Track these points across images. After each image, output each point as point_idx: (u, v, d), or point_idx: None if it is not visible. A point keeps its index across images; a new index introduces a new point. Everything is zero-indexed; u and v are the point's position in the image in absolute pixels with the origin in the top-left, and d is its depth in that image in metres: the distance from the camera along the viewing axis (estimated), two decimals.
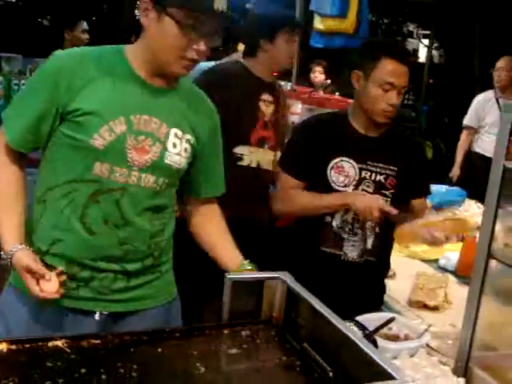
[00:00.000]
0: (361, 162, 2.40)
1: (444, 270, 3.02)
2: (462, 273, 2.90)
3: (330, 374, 1.43)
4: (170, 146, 1.83)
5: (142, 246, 1.86)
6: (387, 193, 2.41)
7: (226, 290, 1.69)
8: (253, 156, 3.04)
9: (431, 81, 12.34)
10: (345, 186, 2.40)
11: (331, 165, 2.40)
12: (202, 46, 1.75)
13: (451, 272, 2.97)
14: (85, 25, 4.86)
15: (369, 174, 2.41)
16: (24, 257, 1.69)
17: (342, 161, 2.40)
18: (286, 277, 1.72)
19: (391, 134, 2.48)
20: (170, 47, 1.74)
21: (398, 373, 1.30)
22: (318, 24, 5.05)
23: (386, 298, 2.59)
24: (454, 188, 3.72)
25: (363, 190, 2.40)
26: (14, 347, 1.46)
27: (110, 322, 1.86)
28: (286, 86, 4.63)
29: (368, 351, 1.38)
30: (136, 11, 2.45)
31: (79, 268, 1.82)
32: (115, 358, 1.48)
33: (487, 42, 10.17)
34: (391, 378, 1.27)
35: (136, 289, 1.89)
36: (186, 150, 1.87)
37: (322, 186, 2.42)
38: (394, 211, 2.29)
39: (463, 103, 9.28)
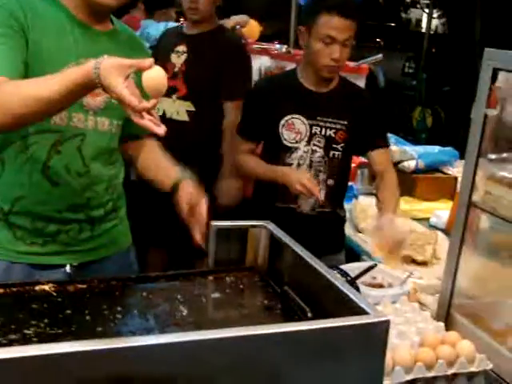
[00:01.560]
0: (311, 117, 2.48)
1: (435, 228, 3.05)
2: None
3: (309, 315, 1.46)
4: None
5: (102, 191, 1.90)
6: (338, 147, 2.50)
7: (210, 238, 1.72)
8: (160, 105, 3.10)
9: (433, 50, 12.29)
10: (296, 143, 2.45)
11: (282, 122, 2.47)
12: None
13: (442, 230, 3.00)
14: None
15: (319, 129, 2.48)
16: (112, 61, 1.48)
17: (292, 118, 2.48)
18: (270, 225, 1.75)
19: (341, 89, 2.54)
20: None
21: (375, 311, 1.33)
22: None
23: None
24: (447, 148, 3.73)
25: (314, 145, 2.48)
26: (1, 290, 1.50)
27: (79, 273, 1.88)
28: (282, 48, 4.64)
29: (346, 291, 1.40)
30: None
31: (45, 223, 1.84)
32: (100, 300, 1.50)
33: (489, 9, 10.08)
34: (366, 313, 1.29)
35: (100, 236, 1.94)
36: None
37: (276, 144, 2.50)
38: (316, 194, 2.34)
39: (463, 72, 9.26)
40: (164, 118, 3.13)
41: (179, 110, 3.16)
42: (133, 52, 1.87)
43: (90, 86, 1.49)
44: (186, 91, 3.15)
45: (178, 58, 3.17)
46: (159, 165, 2.01)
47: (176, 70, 3.16)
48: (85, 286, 1.57)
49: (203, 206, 1.80)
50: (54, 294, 1.52)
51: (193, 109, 3.15)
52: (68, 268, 1.90)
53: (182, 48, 3.19)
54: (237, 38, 3.56)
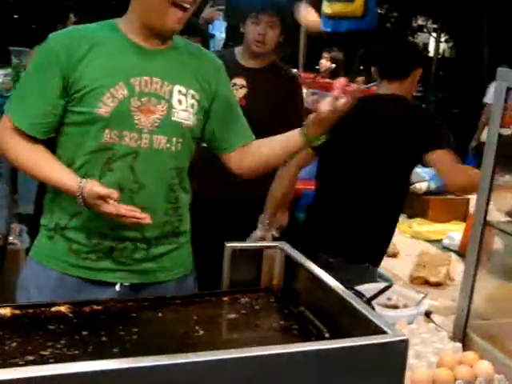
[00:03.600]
0: None
1: (448, 249, 3.04)
2: (465, 251, 2.90)
3: (326, 335, 1.45)
4: (175, 103, 1.86)
5: (159, 211, 1.88)
6: None
7: (225, 259, 1.72)
8: None
9: (441, 73, 12.35)
10: None
11: None
12: None
13: (455, 252, 2.99)
14: (72, 17, 4.89)
15: None
16: (93, 187, 1.74)
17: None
18: (285, 245, 1.74)
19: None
20: (160, 1, 1.77)
21: (394, 330, 1.32)
22: (326, 8, 5.06)
23: (388, 274, 2.62)
24: None
25: None
26: (17, 312, 1.49)
27: (130, 294, 1.87)
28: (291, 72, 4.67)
29: (364, 311, 1.40)
30: None
31: (99, 239, 1.86)
32: (116, 321, 1.50)
33: (496, 33, 10.15)
34: (384, 333, 1.29)
35: (155, 259, 1.92)
36: (192, 105, 1.89)
37: None
38: None
39: (472, 94, 9.28)
40: None
41: None
42: (201, 67, 1.94)
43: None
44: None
45: (237, 92, 3.07)
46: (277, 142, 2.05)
47: None
48: (100, 307, 1.57)
49: None
50: (70, 314, 1.52)
51: None
52: (118, 287, 1.90)
53: (240, 81, 3.10)
54: (293, 75, 3.52)
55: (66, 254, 1.89)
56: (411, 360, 1.65)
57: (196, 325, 1.52)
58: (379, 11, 15.76)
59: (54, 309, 1.52)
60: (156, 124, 1.83)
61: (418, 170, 3.57)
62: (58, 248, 1.90)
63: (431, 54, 14.38)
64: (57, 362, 1.28)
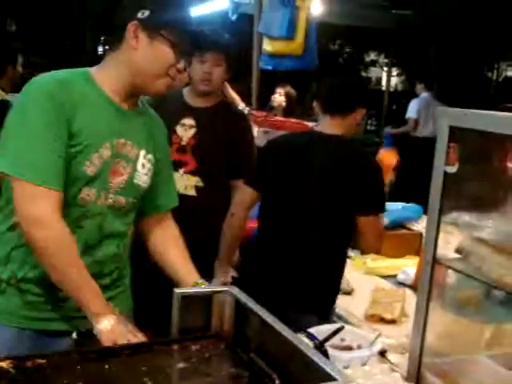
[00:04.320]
0: None
1: (403, 284, 3.04)
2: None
3: (277, 382, 1.43)
4: (139, 166, 1.92)
5: (109, 261, 1.93)
6: None
7: (174, 305, 1.69)
8: None
9: (394, 107, 12.57)
10: None
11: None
12: (181, 64, 1.88)
13: (409, 287, 2.99)
14: (21, 58, 4.87)
15: None
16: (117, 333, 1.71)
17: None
18: (234, 290, 1.72)
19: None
20: (162, 66, 1.83)
21: (342, 376, 1.30)
22: (267, 46, 5.08)
23: (343, 312, 2.60)
24: (410, 204, 3.76)
25: None
26: None
27: (85, 341, 1.85)
28: (244, 110, 4.68)
29: (313, 357, 1.38)
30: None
31: (54, 289, 1.82)
32: (61, 376, 1.46)
33: (443, 66, 10.40)
34: (335, 380, 1.27)
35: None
36: (149, 169, 1.96)
37: None
38: None
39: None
40: None
41: (186, 184, 3.07)
42: (155, 129, 2.02)
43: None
44: (195, 166, 3.07)
45: (186, 132, 3.07)
46: (180, 262, 2.02)
47: (183, 143, 3.06)
48: (44, 361, 1.52)
49: None
50: (12, 370, 1.46)
51: (201, 184, 3.07)
52: (74, 335, 1.90)
53: (189, 121, 3.09)
54: (241, 113, 3.52)
55: (22, 308, 1.86)
56: None
57: (145, 376, 1.48)
58: (333, 47, 16.09)
59: None
60: (121, 185, 1.88)
61: None
62: (11, 302, 1.86)
63: (384, 87, 14.67)
64: None
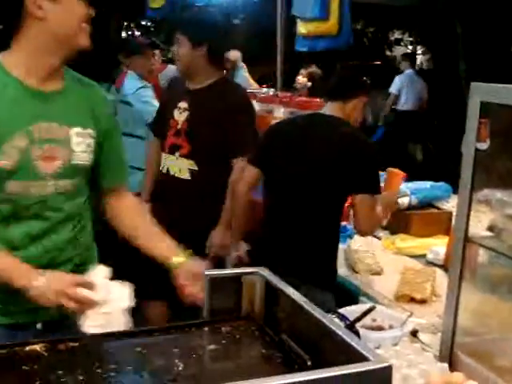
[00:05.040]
0: None
1: (432, 264, 3.01)
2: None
3: (309, 363, 1.42)
4: (74, 146, 1.83)
5: (67, 248, 1.89)
6: None
7: (205, 287, 1.69)
8: (165, 162, 3.16)
9: None
10: None
11: None
12: (92, 11, 1.81)
13: (439, 266, 2.96)
14: None
15: None
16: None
17: None
18: (264, 271, 1.71)
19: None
20: (77, 20, 1.76)
21: (376, 356, 1.29)
22: (301, 28, 5.05)
23: (373, 293, 2.59)
24: (439, 183, 3.71)
25: None
26: None
27: (49, 330, 1.86)
28: (269, 91, 4.66)
29: (345, 337, 1.36)
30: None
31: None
32: (92, 358, 1.46)
33: (470, 44, 10.22)
34: (367, 360, 1.25)
35: None
36: (89, 144, 1.88)
37: None
38: None
39: (451, 105, 9.33)
40: (168, 175, 3.14)
41: (181, 167, 3.10)
42: (91, 102, 1.92)
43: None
44: (189, 149, 3.08)
45: (180, 115, 3.10)
46: (151, 237, 1.99)
47: (179, 127, 3.10)
48: (76, 344, 1.52)
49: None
50: (45, 353, 1.47)
51: (195, 168, 3.08)
52: (39, 325, 1.89)
53: (183, 104, 3.11)
54: (240, 89, 3.35)
55: None
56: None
57: (176, 357, 1.48)
58: (356, 27, 15.92)
59: (28, 348, 1.48)
60: (59, 170, 1.81)
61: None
62: None
63: None
64: None
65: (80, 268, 1.93)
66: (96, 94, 1.98)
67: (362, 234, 2.83)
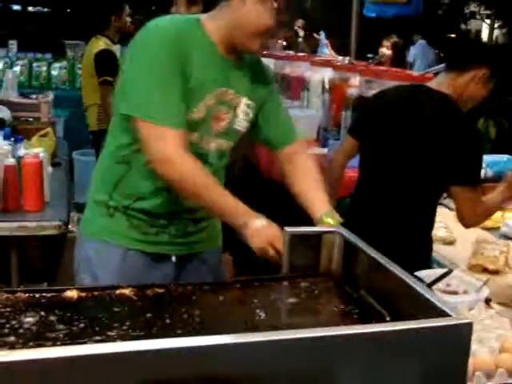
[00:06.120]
0: None
1: (506, 237, 2.99)
2: None
3: (388, 319, 1.45)
4: (239, 113, 2.01)
5: None
6: None
7: (285, 244, 1.73)
8: None
9: None
10: None
11: None
12: (276, 30, 1.95)
13: None
14: (127, 9, 4.92)
15: None
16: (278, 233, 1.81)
17: None
18: (343, 230, 1.74)
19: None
20: (262, 27, 1.87)
21: (458, 313, 1.31)
22: None
23: (445, 262, 2.59)
24: None
25: None
26: (83, 294, 1.53)
27: (182, 264, 2.11)
28: (344, 60, 4.64)
29: (427, 294, 1.38)
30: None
31: (158, 218, 2.02)
32: (178, 304, 1.53)
33: None
34: (448, 315, 1.28)
35: (202, 232, 2.12)
36: (248, 114, 2.05)
37: None
38: None
39: None
40: None
41: None
42: (259, 76, 2.08)
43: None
44: None
45: None
46: (311, 193, 2.06)
47: None
48: (163, 291, 1.60)
49: None
50: (134, 297, 1.55)
51: None
52: (174, 258, 2.08)
53: None
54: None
55: (128, 230, 2.03)
56: (473, 345, 1.63)
57: (257, 308, 1.54)
58: None
59: (118, 291, 1.56)
60: (221, 130, 1.98)
61: None
62: (119, 224, 2.04)
63: (485, 40, 14.10)
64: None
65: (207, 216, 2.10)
66: (264, 72, 2.14)
67: (467, 227, 2.64)
